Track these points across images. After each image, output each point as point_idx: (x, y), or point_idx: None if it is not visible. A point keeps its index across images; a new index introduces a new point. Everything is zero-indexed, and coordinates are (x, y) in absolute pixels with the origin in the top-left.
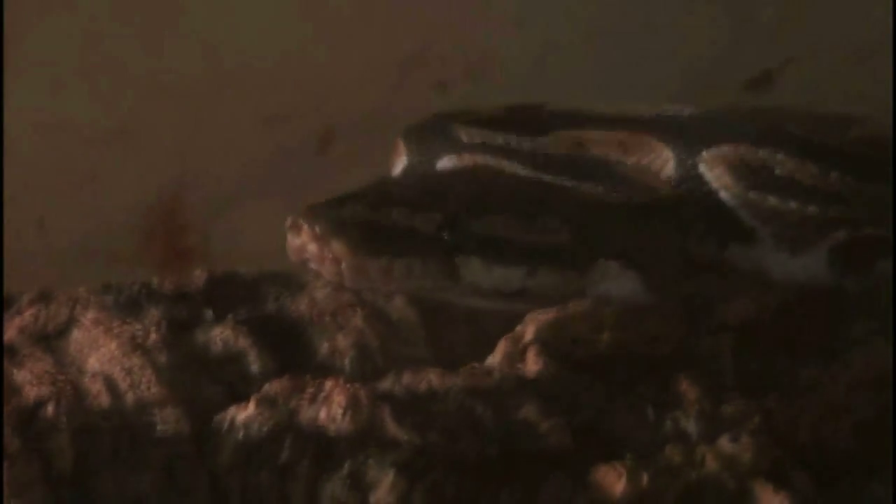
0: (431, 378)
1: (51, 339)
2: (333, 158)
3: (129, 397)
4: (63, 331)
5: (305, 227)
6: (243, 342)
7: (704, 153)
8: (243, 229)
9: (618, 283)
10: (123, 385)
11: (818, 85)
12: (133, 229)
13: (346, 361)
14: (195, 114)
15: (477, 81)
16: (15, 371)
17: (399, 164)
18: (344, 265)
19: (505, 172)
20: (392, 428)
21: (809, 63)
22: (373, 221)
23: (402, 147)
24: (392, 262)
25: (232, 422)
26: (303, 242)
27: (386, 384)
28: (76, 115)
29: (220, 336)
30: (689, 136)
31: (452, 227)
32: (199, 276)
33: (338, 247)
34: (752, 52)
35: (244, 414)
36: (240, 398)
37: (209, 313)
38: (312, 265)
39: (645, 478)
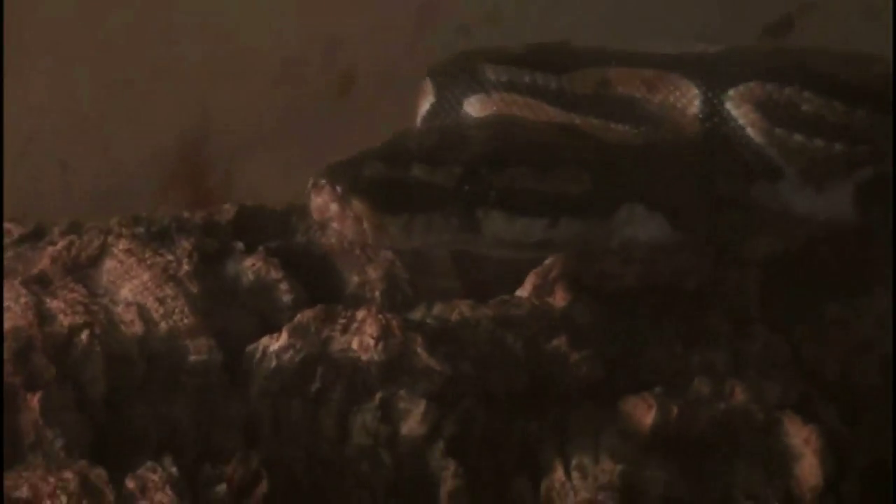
0: (462, 309)
1: (83, 269)
2: (354, 103)
3: (162, 326)
4: (95, 261)
5: (327, 186)
6: (274, 273)
7: (731, 91)
8: (264, 174)
9: (644, 225)
10: (156, 314)
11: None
12: (155, 174)
13: (377, 293)
14: (214, 60)
15: (496, 25)
16: (48, 300)
17: (426, 104)
18: (365, 224)
19: (524, 119)
20: (424, 357)
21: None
22: (393, 178)
23: (428, 86)
24: (413, 219)
25: (264, 351)
26: (324, 202)
27: (417, 314)
28: (95, 61)
29: (251, 267)
30: (715, 73)
31: (472, 180)
32: (228, 209)
33: (358, 206)
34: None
35: (276, 343)
36: (271, 328)
37: (239, 245)
38: (335, 224)
39: (674, 409)
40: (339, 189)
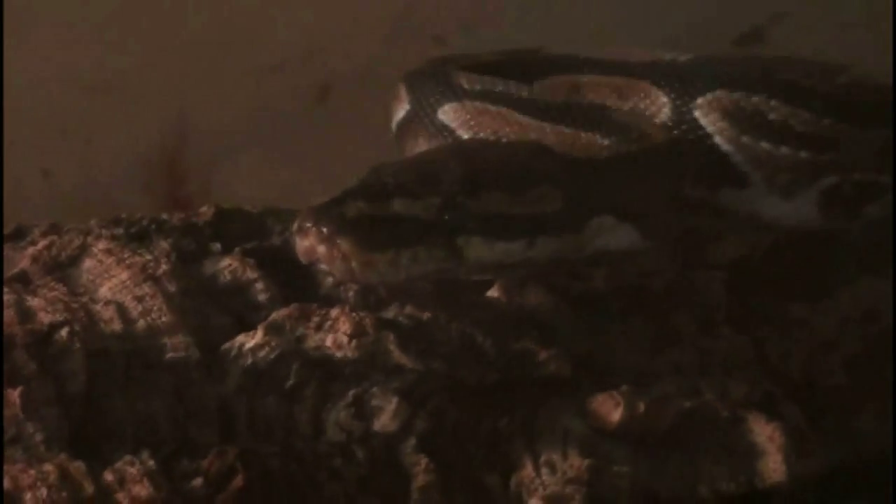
0: (434, 308)
1: (63, 268)
2: (330, 109)
3: (140, 324)
4: (75, 260)
5: (312, 229)
6: (251, 273)
7: (699, 99)
8: (242, 179)
9: (614, 236)
10: (135, 312)
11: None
12: (134, 179)
13: (350, 293)
14: (192, 66)
15: (470, 34)
16: (29, 298)
17: (400, 111)
18: (353, 263)
19: (494, 141)
20: (396, 355)
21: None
22: (375, 216)
23: (403, 93)
24: (399, 254)
25: (240, 348)
26: (311, 244)
27: (390, 313)
28: (76, 66)
29: (227, 267)
30: (684, 82)
31: (451, 209)
32: (206, 211)
33: (345, 245)
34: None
35: (252, 341)
36: (247, 327)
37: (217, 246)
38: (322, 265)
39: (641, 405)
40: (325, 230)
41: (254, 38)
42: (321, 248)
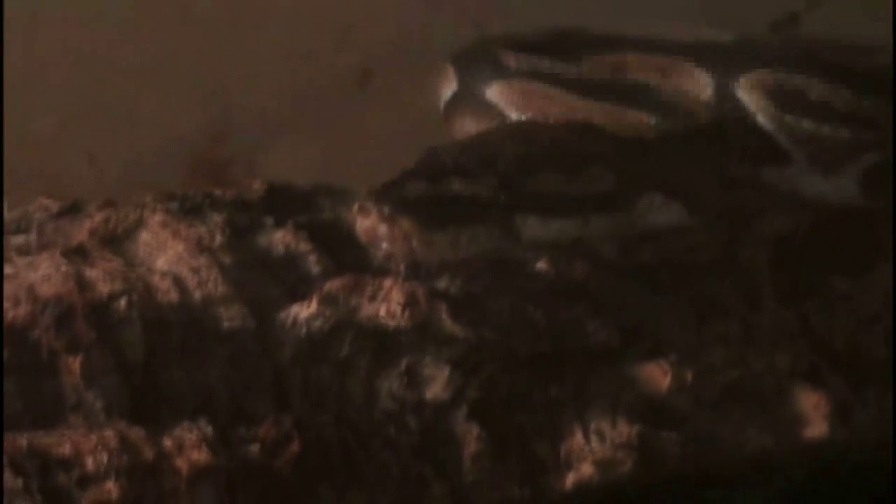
0: (485, 280)
1: (120, 241)
2: (371, 93)
3: (197, 295)
4: (132, 233)
5: (374, 209)
6: (304, 246)
7: (742, 78)
8: (286, 163)
9: (662, 213)
10: (191, 283)
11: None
12: (179, 164)
13: (402, 266)
14: (235, 49)
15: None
16: (87, 269)
17: (448, 91)
18: (415, 242)
19: (544, 123)
20: (448, 324)
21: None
22: (435, 195)
23: (451, 73)
24: (459, 233)
25: (294, 319)
26: (372, 224)
27: (442, 284)
28: (116, 51)
29: (280, 240)
30: (726, 61)
31: (508, 189)
32: (258, 187)
33: (407, 225)
34: None
35: (306, 311)
36: (301, 298)
37: (269, 220)
38: (384, 245)
39: (689, 375)
40: (386, 210)
41: (292, 22)
42: (383, 228)
